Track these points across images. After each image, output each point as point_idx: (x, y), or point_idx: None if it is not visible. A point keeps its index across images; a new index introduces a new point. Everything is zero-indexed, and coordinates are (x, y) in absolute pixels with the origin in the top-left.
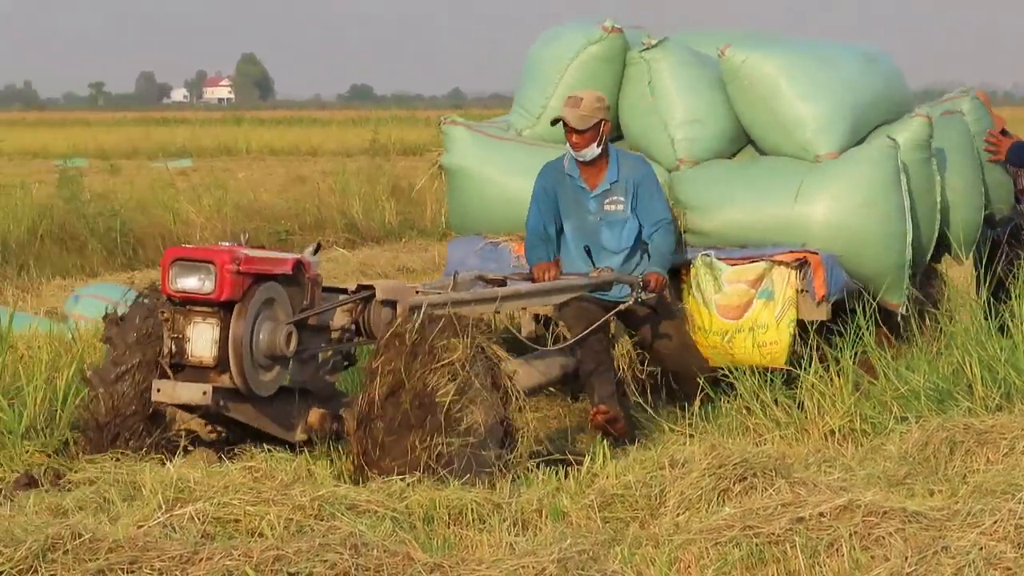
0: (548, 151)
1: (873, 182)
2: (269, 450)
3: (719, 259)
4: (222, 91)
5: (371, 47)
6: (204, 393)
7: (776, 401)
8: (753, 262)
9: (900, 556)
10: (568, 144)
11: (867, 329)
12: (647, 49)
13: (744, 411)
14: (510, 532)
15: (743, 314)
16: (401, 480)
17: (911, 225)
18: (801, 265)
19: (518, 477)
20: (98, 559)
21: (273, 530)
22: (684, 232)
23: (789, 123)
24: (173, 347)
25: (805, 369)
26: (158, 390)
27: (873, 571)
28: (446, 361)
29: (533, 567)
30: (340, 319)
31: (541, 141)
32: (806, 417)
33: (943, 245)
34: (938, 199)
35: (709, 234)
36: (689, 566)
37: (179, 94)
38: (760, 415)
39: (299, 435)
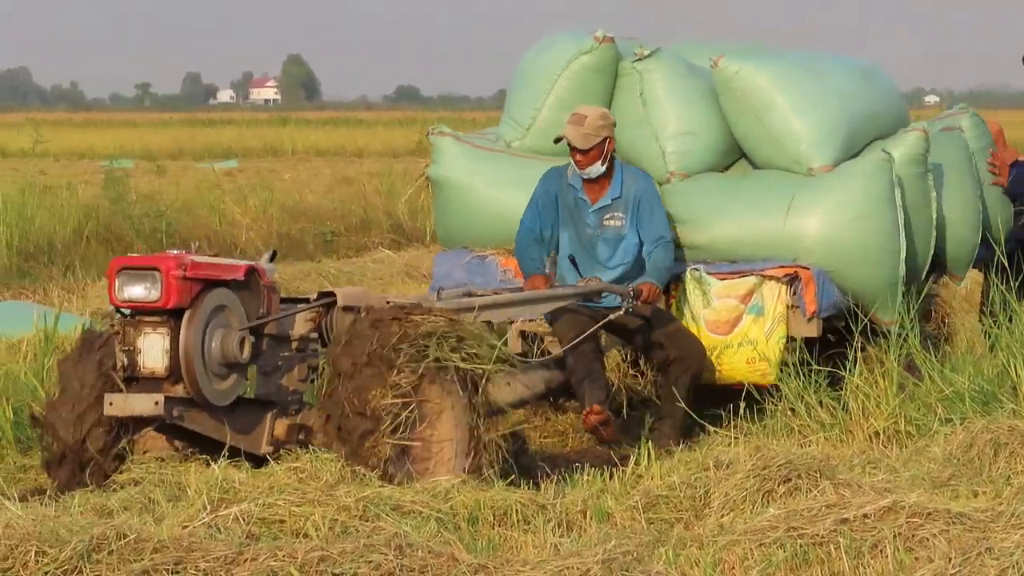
0: (537, 163)
1: (867, 196)
2: (314, 451)
3: (708, 273)
4: (268, 92)
5: (418, 48)
6: (156, 403)
7: (820, 402)
8: (743, 277)
9: (944, 557)
10: (572, 162)
11: (912, 330)
12: (639, 60)
13: (789, 412)
14: (555, 533)
15: (732, 330)
16: (446, 480)
17: (905, 241)
18: (792, 280)
19: (563, 478)
20: (143, 560)
21: (318, 531)
22: (677, 247)
23: (782, 136)
24: (125, 360)
25: (850, 371)
26: (110, 404)
27: (917, 572)
28: (398, 368)
29: (578, 568)
30: (302, 328)
31: (531, 153)
32: (850, 419)
33: (938, 264)
34: (934, 216)
35: (699, 248)
36: (733, 567)
37: (225, 95)
38: (804, 416)
39: (265, 447)
